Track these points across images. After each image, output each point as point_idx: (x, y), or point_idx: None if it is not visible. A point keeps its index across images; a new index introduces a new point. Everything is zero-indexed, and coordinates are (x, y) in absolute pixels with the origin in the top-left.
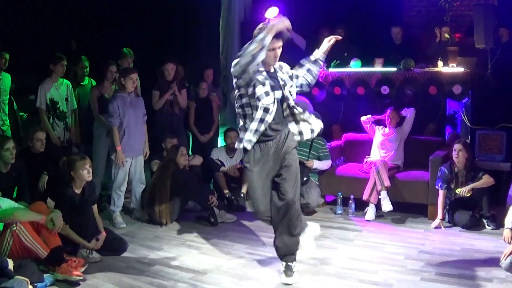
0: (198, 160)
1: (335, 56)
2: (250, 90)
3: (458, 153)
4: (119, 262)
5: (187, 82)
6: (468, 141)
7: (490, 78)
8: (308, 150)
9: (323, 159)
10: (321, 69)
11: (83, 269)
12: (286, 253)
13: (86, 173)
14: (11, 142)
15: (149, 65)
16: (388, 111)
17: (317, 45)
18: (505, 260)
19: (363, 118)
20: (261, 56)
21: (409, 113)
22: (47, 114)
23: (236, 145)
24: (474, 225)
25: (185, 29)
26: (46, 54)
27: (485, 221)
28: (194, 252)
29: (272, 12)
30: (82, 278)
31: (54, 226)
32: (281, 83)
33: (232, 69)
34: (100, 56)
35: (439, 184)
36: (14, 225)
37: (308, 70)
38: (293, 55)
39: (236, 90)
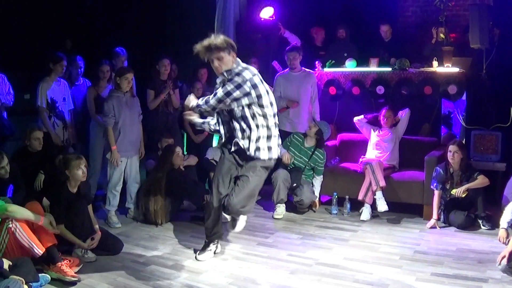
0: (193, 160)
1: (333, 56)
2: None
3: (453, 154)
4: (114, 262)
5: (180, 81)
6: (463, 141)
7: (485, 78)
8: (307, 160)
9: (317, 174)
10: (317, 69)
11: (78, 269)
12: None
13: (80, 173)
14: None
15: (143, 64)
16: (384, 110)
17: (310, 43)
18: (504, 262)
19: (356, 119)
20: None
21: (403, 113)
22: (48, 113)
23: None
24: (469, 225)
25: (180, 28)
26: (41, 53)
27: (480, 221)
28: (189, 252)
29: (267, 12)
30: (77, 279)
31: (53, 229)
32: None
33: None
34: (95, 56)
35: (434, 184)
36: (10, 222)
37: None
38: None
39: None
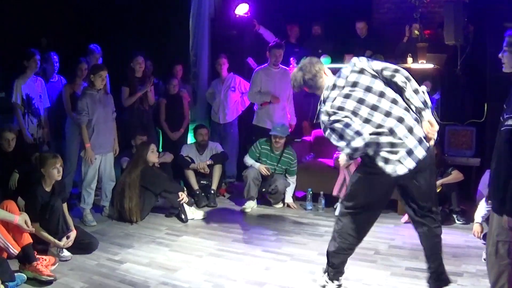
0: (168, 157)
1: (308, 53)
2: None
3: None
4: (89, 260)
5: (156, 78)
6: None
7: (459, 75)
8: (276, 163)
9: (290, 175)
10: (291, 66)
11: (53, 267)
12: None
13: (56, 172)
14: None
15: (118, 61)
16: None
17: (285, 40)
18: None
19: None
20: None
21: None
22: (23, 110)
23: None
24: (443, 220)
25: (155, 25)
26: (15, 51)
27: (454, 216)
28: (165, 250)
29: (242, 9)
30: (53, 278)
31: (28, 228)
32: None
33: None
34: (70, 53)
35: None
36: None
37: None
38: (262, 49)
39: None
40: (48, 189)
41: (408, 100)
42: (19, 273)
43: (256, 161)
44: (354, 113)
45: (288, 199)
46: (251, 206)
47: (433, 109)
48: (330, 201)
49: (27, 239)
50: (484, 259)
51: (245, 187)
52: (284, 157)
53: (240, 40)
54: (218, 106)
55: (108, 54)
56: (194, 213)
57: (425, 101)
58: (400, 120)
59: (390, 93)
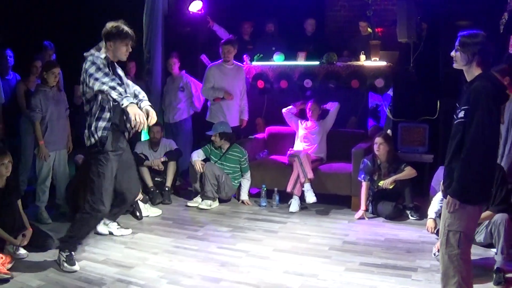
0: None
1: (262, 50)
2: None
3: (379, 146)
4: (45, 258)
5: None
6: (389, 133)
7: (412, 72)
8: (222, 162)
9: (244, 172)
10: (245, 63)
11: (10, 265)
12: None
13: (4, 168)
14: None
15: (72, 58)
16: (309, 103)
17: (239, 37)
18: (438, 251)
19: (284, 110)
20: None
21: (333, 107)
22: None
23: None
24: (397, 216)
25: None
26: None
27: (408, 211)
28: (120, 247)
29: (196, 6)
30: (9, 276)
31: None
32: None
33: None
34: (25, 50)
35: (362, 176)
36: None
37: None
38: (216, 46)
39: None
40: (1, 185)
41: None
42: None
43: (208, 157)
44: None
45: (243, 196)
46: (198, 200)
47: (386, 106)
48: (284, 198)
49: None
50: (434, 254)
51: (205, 187)
52: (230, 155)
53: (193, 37)
54: (167, 106)
55: (62, 50)
56: (149, 210)
57: None
58: None
59: None
